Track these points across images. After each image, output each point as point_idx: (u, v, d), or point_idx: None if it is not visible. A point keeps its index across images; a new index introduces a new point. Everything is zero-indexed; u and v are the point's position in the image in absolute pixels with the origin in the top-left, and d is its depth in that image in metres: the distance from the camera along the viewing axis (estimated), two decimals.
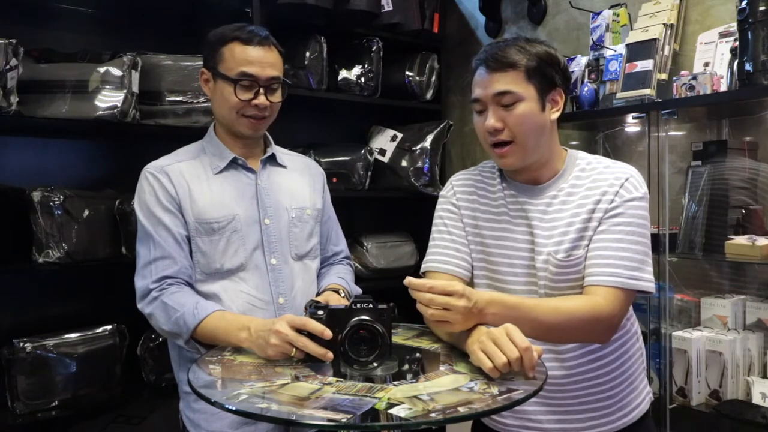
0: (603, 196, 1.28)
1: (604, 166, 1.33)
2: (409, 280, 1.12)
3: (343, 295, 1.52)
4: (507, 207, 1.36)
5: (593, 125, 2.39)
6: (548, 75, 1.29)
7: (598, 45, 2.26)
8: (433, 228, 1.45)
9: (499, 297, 1.20)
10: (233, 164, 1.53)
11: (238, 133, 1.51)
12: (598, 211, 1.27)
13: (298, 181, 1.62)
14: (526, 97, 1.27)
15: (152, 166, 1.51)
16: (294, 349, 1.16)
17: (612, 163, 1.34)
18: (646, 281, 1.25)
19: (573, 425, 1.31)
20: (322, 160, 2.60)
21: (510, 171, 1.38)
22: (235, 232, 1.47)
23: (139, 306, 1.43)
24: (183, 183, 1.47)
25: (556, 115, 1.32)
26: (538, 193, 1.34)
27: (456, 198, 1.43)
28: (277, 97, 1.50)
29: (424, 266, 1.43)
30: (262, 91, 1.46)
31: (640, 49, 2.11)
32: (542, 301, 1.24)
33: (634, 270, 1.23)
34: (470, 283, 1.41)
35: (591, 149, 2.36)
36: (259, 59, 1.46)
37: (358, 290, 1.63)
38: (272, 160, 1.60)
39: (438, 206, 1.46)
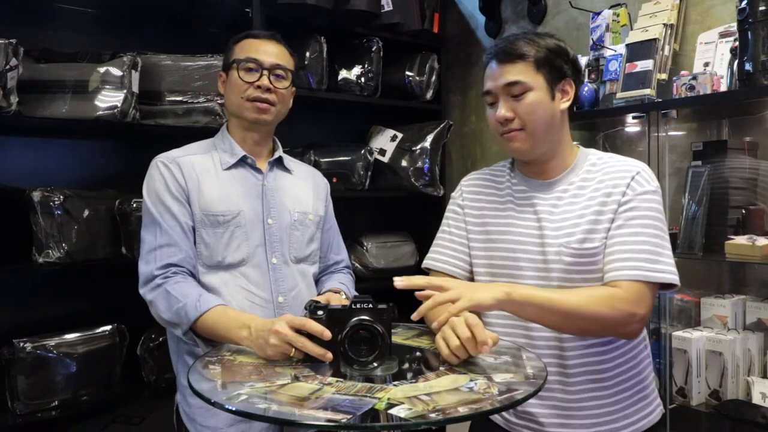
0: (614, 188, 1.28)
1: (616, 160, 1.35)
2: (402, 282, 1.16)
3: (344, 297, 1.53)
4: (513, 198, 1.39)
5: (593, 125, 2.39)
6: (557, 66, 1.31)
7: (598, 45, 2.26)
8: (440, 227, 1.51)
9: (510, 290, 1.19)
10: (242, 162, 1.56)
11: (245, 120, 1.54)
12: (610, 203, 1.28)
13: (303, 187, 1.65)
14: (536, 87, 1.29)
15: (164, 156, 1.53)
16: (293, 350, 1.16)
17: (623, 158, 1.36)
18: (669, 273, 1.24)
19: (576, 430, 1.31)
20: (322, 160, 2.60)
21: (521, 163, 1.41)
22: (239, 227, 1.49)
23: (141, 291, 1.43)
24: (193, 175, 1.50)
25: (566, 104, 1.34)
26: (548, 188, 1.36)
27: (462, 198, 1.48)
28: (282, 85, 1.55)
29: (424, 263, 1.51)
30: (266, 74, 1.51)
31: (640, 49, 2.11)
32: (560, 291, 1.24)
33: (654, 263, 1.23)
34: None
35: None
36: (265, 48, 1.54)
37: None
38: (279, 163, 1.63)
39: (447, 206, 1.53)
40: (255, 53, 1.52)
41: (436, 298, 1.15)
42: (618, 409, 1.32)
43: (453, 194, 1.52)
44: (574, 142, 1.42)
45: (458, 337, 1.10)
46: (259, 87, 1.51)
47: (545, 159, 1.36)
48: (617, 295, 1.21)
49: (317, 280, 1.66)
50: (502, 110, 1.30)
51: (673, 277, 1.24)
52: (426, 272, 1.49)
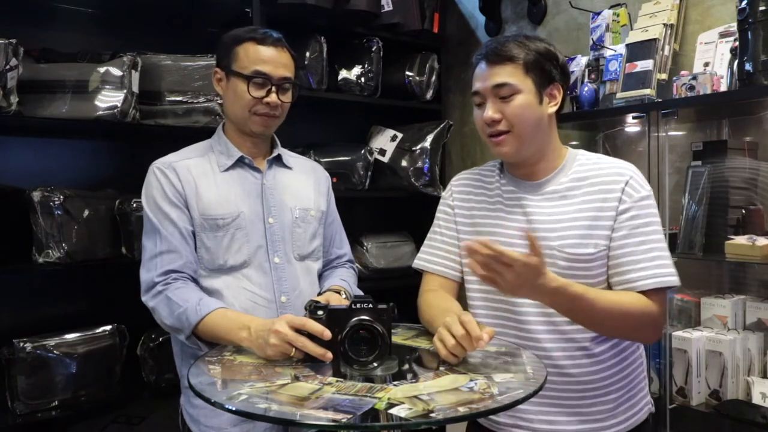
0: (608, 194, 1.30)
1: (605, 162, 1.36)
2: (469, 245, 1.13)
3: (344, 296, 1.52)
4: (503, 198, 1.39)
5: (593, 125, 2.39)
6: (546, 70, 1.32)
7: (598, 45, 2.26)
8: (431, 227, 1.51)
9: (564, 285, 1.17)
10: (240, 163, 1.55)
11: (248, 131, 1.53)
12: (607, 210, 1.29)
13: (304, 183, 1.64)
14: (524, 90, 1.30)
15: (160, 162, 1.52)
16: (293, 349, 1.16)
17: (611, 160, 1.37)
18: (675, 274, 1.28)
19: (563, 427, 1.31)
20: (322, 160, 2.60)
21: (509, 165, 1.41)
22: (240, 229, 1.48)
23: (143, 299, 1.44)
24: (190, 179, 1.49)
25: (553, 109, 1.35)
26: (537, 188, 1.36)
27: (452, 198, 1.49)
28: (288, 97, 1.53)
29: (415, 263, 1.51)
30: (274, 89, 1.49)
31: (640, 49, 2.10)
32: (601, 293, 1.25)
33: (666, 267, 1.27)
34: (461, 283, 1.46)
35: (591, 149, 2.33)
36: (272, 59, 1.49)
37: (360, 293, 1.63)
38: (278, 160, 1.61)
39: (438, 207, 1.52)
40: (262, 65, 1.47)
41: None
42: (607, 410, 1.32)
43: (443, 194, 1.53)
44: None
45: (453, 336, 1.11)
46: (267, 104, 1.49)
47: (532, 162, 1.36)
48: (648, 309, 1.25)
49: (320, 275, 1.65)
50: (490, 111, 1.31)
51: (677, 278, 1.28)
52: (417, 272, 1.51)
